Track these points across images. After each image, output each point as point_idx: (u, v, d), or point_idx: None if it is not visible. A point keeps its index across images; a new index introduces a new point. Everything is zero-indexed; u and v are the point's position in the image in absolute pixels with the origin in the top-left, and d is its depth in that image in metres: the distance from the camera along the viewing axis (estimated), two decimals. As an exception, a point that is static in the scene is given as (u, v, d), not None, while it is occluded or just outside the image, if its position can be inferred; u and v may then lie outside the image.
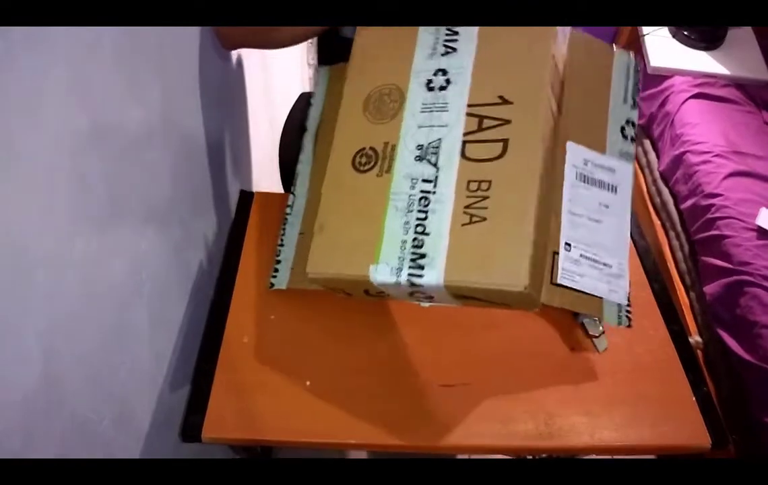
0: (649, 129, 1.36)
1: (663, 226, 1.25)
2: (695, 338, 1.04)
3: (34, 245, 0.35)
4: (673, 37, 1.38)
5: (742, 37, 1.38)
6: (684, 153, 1.17)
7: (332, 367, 0.55)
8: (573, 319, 0.59)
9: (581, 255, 0.51)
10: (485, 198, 0.45)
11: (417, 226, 0.47)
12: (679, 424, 0.52)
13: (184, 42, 0.61)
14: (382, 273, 0.46)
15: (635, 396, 0.54)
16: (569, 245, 0.51)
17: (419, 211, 0.47)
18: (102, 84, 0.43)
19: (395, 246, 0.47)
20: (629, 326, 0.55)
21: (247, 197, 0.72)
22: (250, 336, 0.58)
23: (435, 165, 0.48)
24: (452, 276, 0.44)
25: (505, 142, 0.47)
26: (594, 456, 0.64)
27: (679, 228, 1.17)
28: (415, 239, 0.46)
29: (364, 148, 0.51)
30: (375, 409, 0.50)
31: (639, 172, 1.39)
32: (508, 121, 0.47)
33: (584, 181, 0.53)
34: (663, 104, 1.31)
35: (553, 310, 0.60)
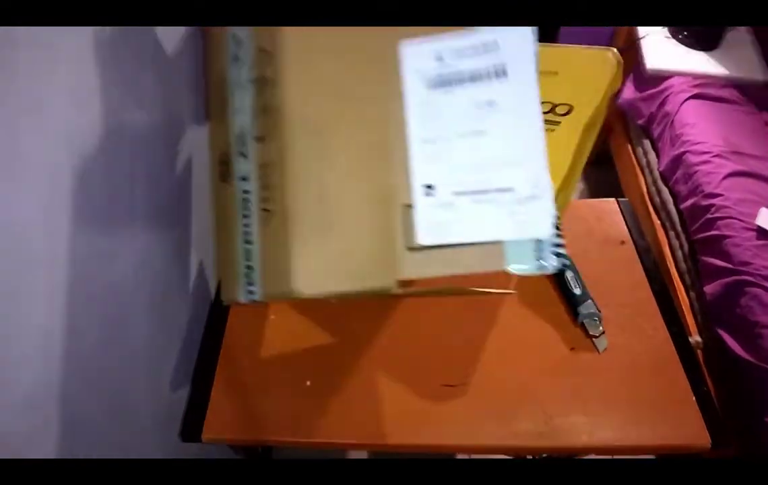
0: (648, 129, 1.36)
1: (663, 225, 1.25)
2: (695, 338, 1.04)
3: (35, 245, 0.36)
4: (671, 37, 1.38)
5: (740, 37, 1.38)
6: (684, 153, 1.17)
7: (332, 367, 0.55)
8: (573, 319, 0.59)
9: (456, 193, 0.37)
10: (270, 185, 0.37)
11: (245, 235, 0.40)
12: (679, 424, 0.52)
13: (184, 42, 0.61)
14: (241, 294, 0.40)
15: (635, 396, 0.54)
16: (430, 187, 0.37)
17: (244, 216, 0.39)
18: (102, 84, 0.43)
19: (239, 264, 0.40)
20: (562, 271, 0.51)
21: (247, 197, 0.72)
22: (250, 336, 0.58)
23: (245, 155, 0.39)
24: (269, 290, 0.38)
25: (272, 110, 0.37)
26: (594, 456, 0.64)
27: (678, 228, 1.17)
28: (246, 252, 0.39)
29: (222, 155, 0.42)
30: (375, 409, 0.50)
31: (639, 171, 1.39)
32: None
33: (442, 86, 0.38)
34: (662, 104, 1.31)
35: (553, 310, 0.61)
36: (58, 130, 0.37)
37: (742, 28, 1.39)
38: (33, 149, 0.35)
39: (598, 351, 0.57)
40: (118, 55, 0.45)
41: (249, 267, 0.39)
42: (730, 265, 0.97)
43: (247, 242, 0.39)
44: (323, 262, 0.36)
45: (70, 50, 0.38)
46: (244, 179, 0.39)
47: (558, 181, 0.56)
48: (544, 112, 0.54)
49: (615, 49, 0.55)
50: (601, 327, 0.58)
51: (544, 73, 0.53)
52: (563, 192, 0.57)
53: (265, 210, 0.38)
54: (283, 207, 0.36)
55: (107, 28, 0.42)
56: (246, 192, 0.39)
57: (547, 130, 0.49)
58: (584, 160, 0.58)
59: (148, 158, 0.52)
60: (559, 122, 0.55)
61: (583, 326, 0.59)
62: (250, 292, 0.39)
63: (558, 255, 0.39)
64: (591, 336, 0.58)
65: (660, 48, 1.36)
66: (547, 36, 0.70)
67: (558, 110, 0.55)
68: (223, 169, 0.42)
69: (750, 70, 1.32)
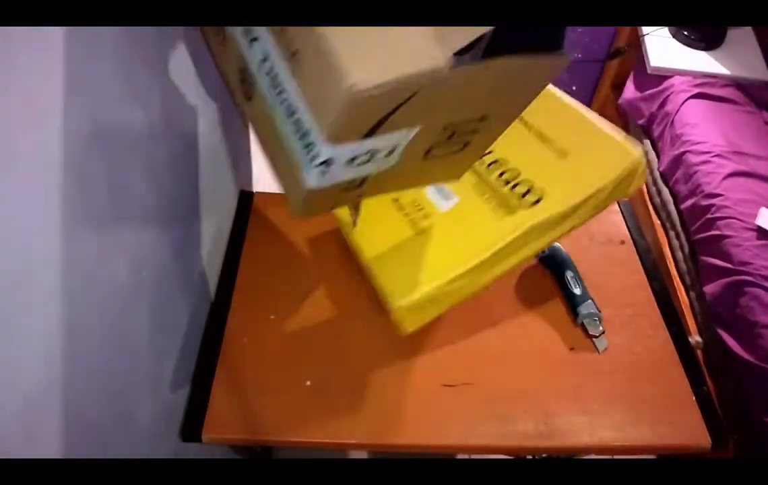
0: (648, 129, 1.36)
1: (663, 225, 1.25)
2: (695, 338, 1.04)
3: (35, 245, 0.36)
4: (673, 37, 1.38)
5: (742, 37, 1.38)
6: (684, 153, 1.17)
7: (332, 367, 0.55)
8: (573, 319, 0.59)
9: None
10: (289, 34, 0.36)
11: (287, 109, 0.37)
12: (679, 424, 0.52)
13: (184, 42, 0.61)
14: (311, 177, 0.37)
15: (635, 396, 0.54)
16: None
17: (279, 94, 0.38)
18: (102, 84, 0.43)
19: (296, 150, 0.37)
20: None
21: (247, 197, 0.72)
22: (251, 336, 0.58)
23: (257, 39, 0.40)
24: (331, 126, 0.33)
25: None
26: (593, 456, 0.64)
27: (679, 228, 1.17)
28: (295, 124, 0.36)
29: (240, 73, 0.43)
30: (375, 409, 0.50)
31: (639, 172, 1.39)
32: None
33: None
34: (663, 104, 1.30)
35: (552, 310, 0.61)
36: (58, 130, 0.37)
37: (745, 27, 1.39)
38: (32, 149, 0.35)
39: (598, 351, 0.57)
40: (119, 54, 0.45)
41: (304, 135, 0.34)
42: (730, 265, 0.97)
43: (292, 114, 0.35)
44: (372, 55, 0.33)
45: (70, 50, 0.38)
46: (264, 60, 0.38)
47: (466, 262, 0.50)
48: (513, 186, 0.53)
49: (642, 149, 0.51)
50: (601, 327, 0.58)
51: (552, 148, 0.53)
52: (466, 278, 0.50)
53: (293, 55, 0.35)
54: (311, 32, 0.33)
55: (107, 28, 0.42)
56: (269, 67, 0.37)
57: (501, 203, 0.49)
58: (528, 256, 0.53)
59: (148, 157, 0.52)
60: (518, 205, 0.51)
61: (582, 326, 0.59)
62: (315, 158, 0.34)
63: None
64: (591, 336, 0.58)
65: (662, 47, 1.36)
66: (550, 36, 0.69)
67: (528, 196, 0.52)
68: (245, 88, 0.41)
69: (752, 69, 1.31)
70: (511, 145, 0.53)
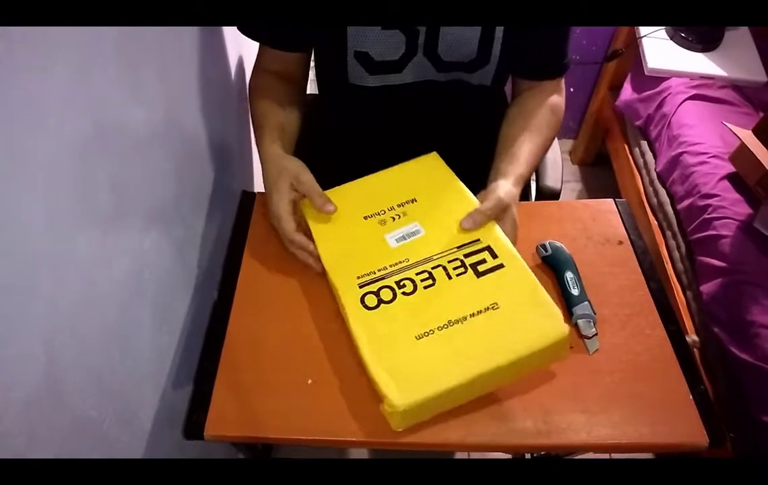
0: (646, 130, 1.36)
1: (660, 226, 1.26)
2: (692, 337, 1.04)
3: (37, 245, 0.36)
4: (671, 38, 1.38)
5: (739, 38, 1.38)
6: (681, 154, 1.18)
7: (334, 366, 0.56)
8: (568, 319, 0.60)
9: None
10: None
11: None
12: (677, 423, 0.53)
13: (185, 42, 0.61)
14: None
15: (633, 395, 0.54)
16: None
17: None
18: (104, 84, 0.43)
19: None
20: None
21: (248, 198, 0.72)
22: (253, 335, 0.58)
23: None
24: None
25: None
26: (592, 455, 0.65)
27: (676, 228, 1.18)
28: None
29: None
30: (376, 408, 0.50)
31: (636, 172, 1.40)
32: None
33: None
34: (660, 105, 1.31)
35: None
36: (58, 130, 0.37)
37: (742, 29, 1.40)
38: (33, 149, 0.35)
39: (588, 352, 0.57)
40: (119, 54, 0.45)
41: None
42: (726, 265, 0.98)
43: None
44: None
45: (70, 50, 0.38)
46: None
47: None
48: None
49: (569, 328, 0.50)
50: (594, 329, 0.58)
51: (485, 306, 0.53)
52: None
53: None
54: None
55: (108, 28, 0.42)
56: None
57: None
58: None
59: (149, 158, 0.52)
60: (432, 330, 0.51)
61: (576, 327, 0.59)
62: None
63: None
64: (583, 337, 0.58)
65: (660, 49, 1.37)
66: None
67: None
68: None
69: (749, 71, 1.32)
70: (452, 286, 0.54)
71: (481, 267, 0.56)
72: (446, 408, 0.51)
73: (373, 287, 0.55)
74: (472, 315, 0.52)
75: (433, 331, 0.51)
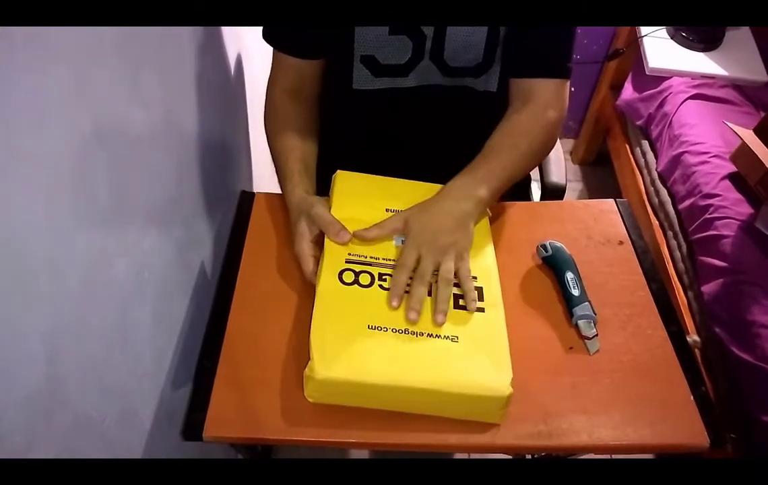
0: (647, 129, 1.36)
1: (661, 225, 1.26)
2: (693, 337, 1.04)
3: (37, 245, 0.36)
4: (672, 38, 1.38)
5: (741, 38, 1.38)
6: (682, 153, 1.18)
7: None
8: (569, 320, 0.60)
9: None
10: None
11: None
12: (678, 423, 0.53)
13: (185, 42, 0.61)
14: None
15: (634, 396, 0.54)
16: None
17: None
18: (103, 84, 0.43)
19: None
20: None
21: (247, 197, 0.72)
22: (252, 335, 0.58)
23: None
24: None
25: None
26: (592, 456, 0.65)
27: (677, 228, 1.18)
28: None
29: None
30: (375, 409, 0.50)
31: (637, 172, 1.39)
32: None
33: None
34: (661, 105, 1.31)
35: (552, 310, 0.61)
36: (58, 130, 0.37)
37: (743, 29, 1.40)
38: (33, 149, 0.35)
39: (589, 353, 0.57)
40: (119, 54, 0.45)
41: None
42: (727, 265, 0.98)
43: None
44: None
45: (70, 50, 0.38)
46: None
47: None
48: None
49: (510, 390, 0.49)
50: (594, 330, 0.58)
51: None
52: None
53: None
54: None
55: (108, 28, 0.42)
56: None
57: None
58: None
59: (149, 157, 0.52)
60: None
61: (577, 327, 0.59)
62: None
63: None
64: (583, 338, 0.58)
65: (661, 48, 1.36)
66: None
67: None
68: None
69: (750, 70, 1.32)
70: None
71: (462, 302, 0.55)
72: (367, 406, 0.51)
73: (356, 268, 0.57)
74: (430, 335, 0.52)
75: (387, 329, 0.52)
